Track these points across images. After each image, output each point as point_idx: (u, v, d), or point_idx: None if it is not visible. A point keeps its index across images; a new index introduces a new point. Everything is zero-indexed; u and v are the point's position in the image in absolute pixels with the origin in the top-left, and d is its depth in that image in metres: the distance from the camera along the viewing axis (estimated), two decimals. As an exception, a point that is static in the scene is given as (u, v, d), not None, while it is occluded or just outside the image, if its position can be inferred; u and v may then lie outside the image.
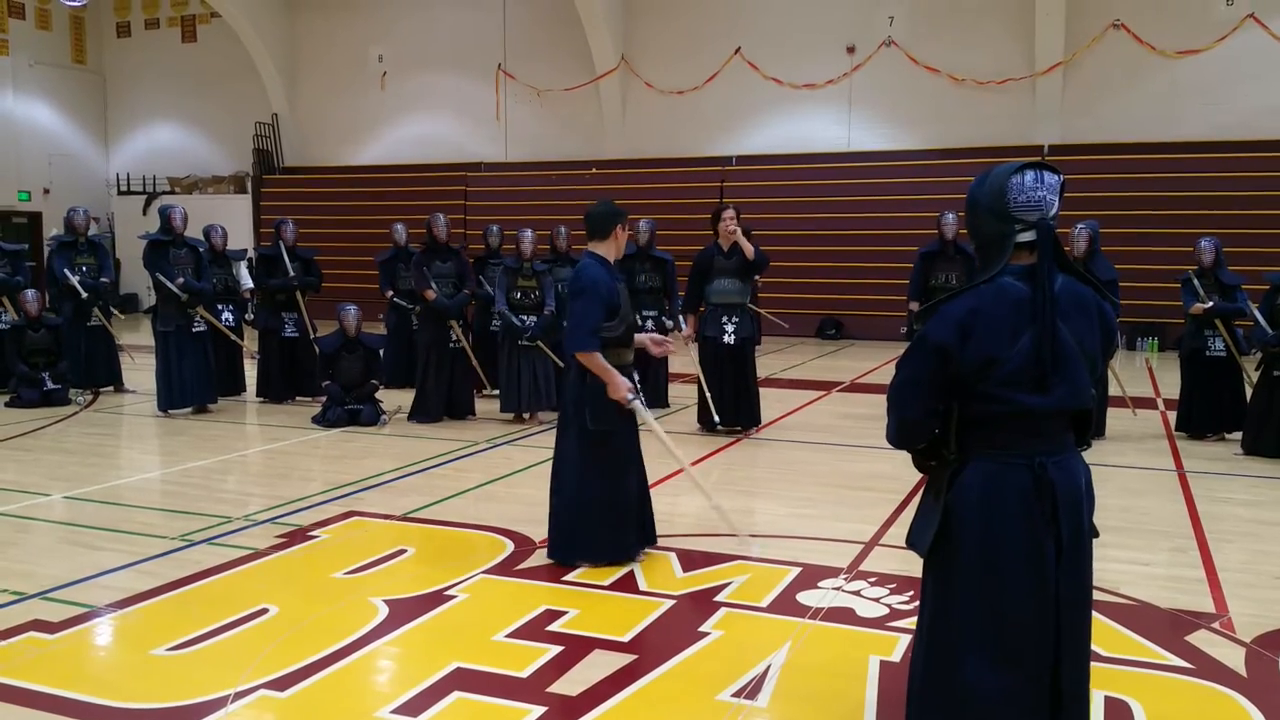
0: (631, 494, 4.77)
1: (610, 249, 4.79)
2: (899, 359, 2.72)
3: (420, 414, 8.71)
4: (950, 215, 8.84)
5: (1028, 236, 2.56)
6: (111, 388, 10.41)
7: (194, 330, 8.99)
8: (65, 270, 9.93)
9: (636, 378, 4.84)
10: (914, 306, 9.10)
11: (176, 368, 8.92)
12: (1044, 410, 2.54)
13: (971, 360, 2.54)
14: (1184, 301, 8.05)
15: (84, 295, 9.96)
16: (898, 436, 2.74)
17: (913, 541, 2.77)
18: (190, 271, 9.02)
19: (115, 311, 10.61)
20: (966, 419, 2.63)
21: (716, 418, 7.99)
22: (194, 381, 9.03)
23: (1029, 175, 2.56)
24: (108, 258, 10.46)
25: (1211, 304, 7.87)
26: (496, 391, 9.01)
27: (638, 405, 4.65)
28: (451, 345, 8.79)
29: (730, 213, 7.97)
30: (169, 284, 8.79)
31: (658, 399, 9.45)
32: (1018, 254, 2.58)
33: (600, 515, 4.68)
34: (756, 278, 8.83)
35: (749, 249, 7.88)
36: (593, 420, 4.65)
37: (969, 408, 2.61)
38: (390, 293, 10.51)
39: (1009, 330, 2.52)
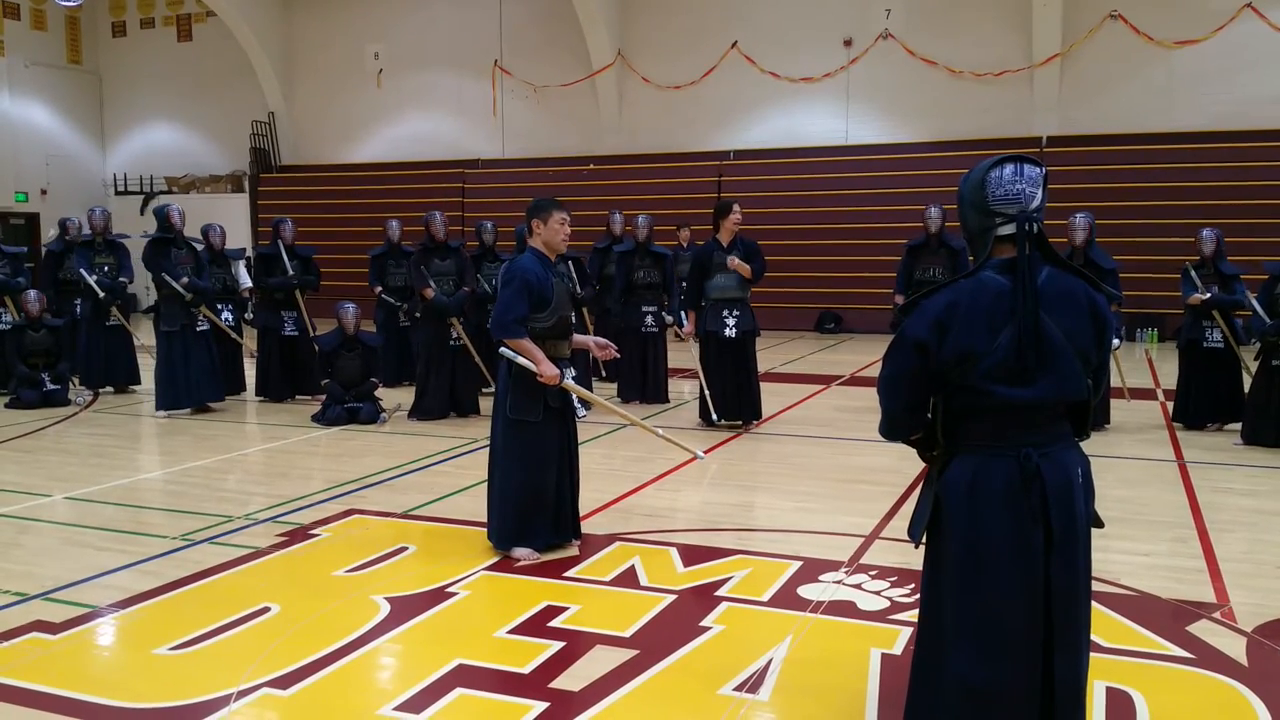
0: (547, 486, 4.83)
1: (539, 243, 4.88)
2: (884, 354, 2.74)
3: (420, 412, 8.70)
4: (934, 209, 8.82)
5: (1008, 229, 2.56)
6: (134, 387, 10.46)
7: (198, 329, 9.03)
8: (82, 270, 10.00)
9: (572, 371, 4.92)
10: (899, 300, 9.06)
11: (181, 367, 8.93)
12: (1028, 402, 2.53)
13: (950, 355, 2.54)
14: (1183, 292, 8.06)
15: (101, 295, 9.99)
16: (887, 429, 2.79)
17: (911, 531, 2.79)
18: (191, 270, 9.04)
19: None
20: (953, 411, 2.63)
21: (715, 415, 8.01)
22: (200, 380, 9.05)
23: (1008, 168, 2.56)
24: (128, 257, 10.48)
25: (1209, 295, 7.87)
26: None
27: (569, 382, 4.80)
28: (453, 343, 8.79)
29: (737, 207, 8.00)
30: (174, 284, 8.79)
31: (658, 395, 9.47)
32: (1000, 247, 2.58)
33: (515, 503, 4.78)
34: None
35: (746, 270, 7.87)
36: (511, 409, 4.79)
37: (954, 400, 2.61)
38: (379, 289, 10.48)
39: (987, 324, 2.52)
